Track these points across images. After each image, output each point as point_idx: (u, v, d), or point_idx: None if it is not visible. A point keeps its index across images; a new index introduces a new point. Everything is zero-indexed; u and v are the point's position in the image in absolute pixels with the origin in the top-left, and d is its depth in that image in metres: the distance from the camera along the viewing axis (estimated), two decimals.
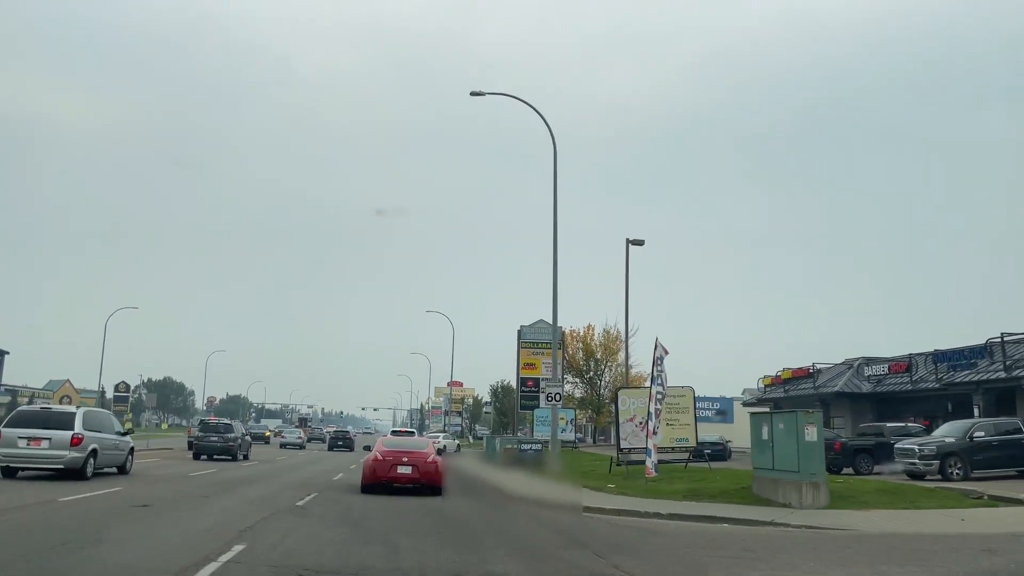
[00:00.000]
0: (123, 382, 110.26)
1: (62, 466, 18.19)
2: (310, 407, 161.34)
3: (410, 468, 17.48)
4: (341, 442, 54.75)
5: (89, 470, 18.73)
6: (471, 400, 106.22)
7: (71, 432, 18.38)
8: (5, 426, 18.89)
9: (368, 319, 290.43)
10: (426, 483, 17.58)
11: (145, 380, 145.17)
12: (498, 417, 74.42)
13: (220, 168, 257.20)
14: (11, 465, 18.30)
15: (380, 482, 17.32)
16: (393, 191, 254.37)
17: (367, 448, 23.26)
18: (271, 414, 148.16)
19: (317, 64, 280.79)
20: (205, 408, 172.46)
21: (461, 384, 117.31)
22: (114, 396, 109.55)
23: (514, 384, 73.05)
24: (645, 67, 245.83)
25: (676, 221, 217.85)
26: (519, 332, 45.76)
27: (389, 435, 28.70)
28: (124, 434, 22.26)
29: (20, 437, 18.18)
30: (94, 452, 18.99)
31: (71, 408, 20.57)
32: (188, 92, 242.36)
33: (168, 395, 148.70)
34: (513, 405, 69.76)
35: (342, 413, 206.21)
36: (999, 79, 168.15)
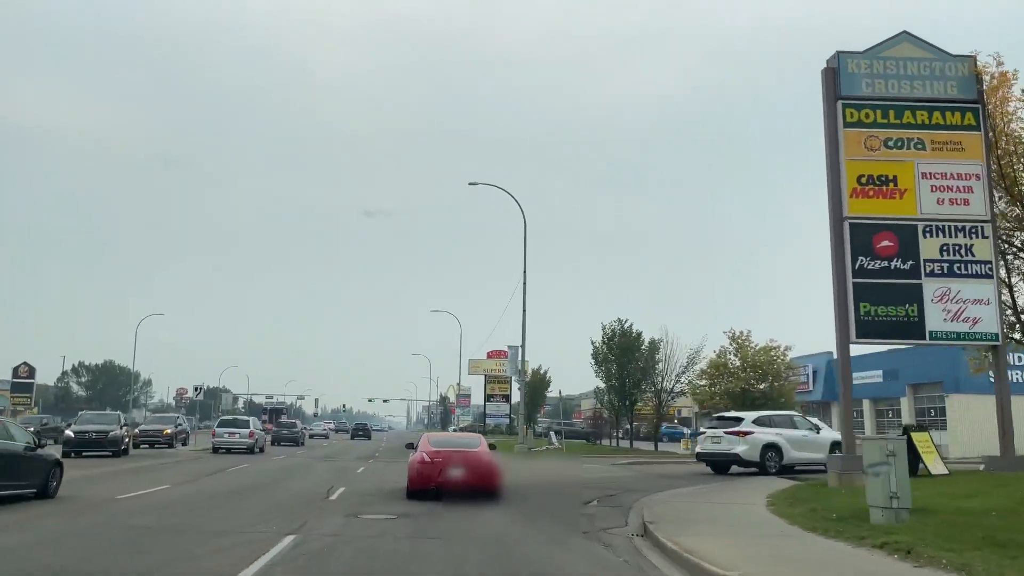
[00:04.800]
0: (24, 364, 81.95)
1: (246, 448, 35.75)
2: (300, 398, 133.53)
3: (464, 470, 16.01)
4: (361, 432, 77.09)
5: (256, 449, 36.23)
6: (525, 377, 75.37)
7: (248, 429, 36.72)
8: (217, 427, 38.37)
9: (375, 302, 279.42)
10: (480, 487, 16.17)
11: (76, 365, 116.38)
12: (609, 396, 43.97)
13: (214, 168, 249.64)
14: (218, 447, 35.82)
15: (428, 487, 16.01)
16: (389, 192, 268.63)
17: (411, 446, 18.60)
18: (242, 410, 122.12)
19: (331, 67, 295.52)
20: (175, 401, 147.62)
21: (506, 354, 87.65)
22: (11, 382, 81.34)
23: (638, 328, 43.29)
24: (660, 65, 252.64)
25: None
26: (830, 73, 14.79)
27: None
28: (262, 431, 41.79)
29: (224, 432, 36.60)
30: (257, 440, 36.83)
31: (246, 417, 42.66)
32: (184, 95, 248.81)
33: (112, 384, 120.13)
34: (642, 359, 40.13)
35: (344, 407, 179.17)
36: None
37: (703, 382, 39.27)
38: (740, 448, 22.29)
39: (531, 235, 41.56)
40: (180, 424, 40.99)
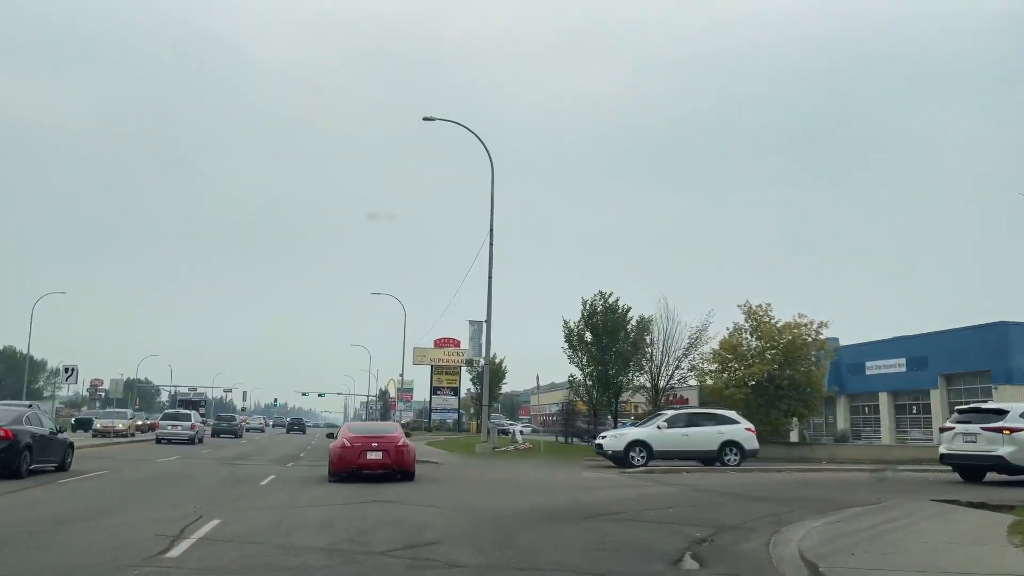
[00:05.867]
0: None
1: (187, 439, 38.70)
2: (228, 391, 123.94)
3: (380, 453, 17.63)
4: (296, 427, 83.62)
5: (196, 440, 39.41)
6: (478, 367, 68.14)
7: (191, 422, 40.57)
8: (161, 420, 43.03)
9: (316, 292, 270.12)
10: (397, 468, 17.79)
11: None
12: (586, 386, 36.89)
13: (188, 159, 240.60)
14: (164, 438, 38.76)
15: (349, 469, 17.59)
16: (342, 183, 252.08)
17: (331, 435, 22.16)
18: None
19: (284, 57, 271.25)
20: (89, 393, 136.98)
21: (458, 343, 79.90)
22: None
23: (625, 301, 36.09)
24: (616, 63, 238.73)
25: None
26: None
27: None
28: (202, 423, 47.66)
29: (168, 424, 40.14)
30: (198, 431, 40.57)
31: (188, 412, 44.92)
32: (165, 86, 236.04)
33: (12, 374, 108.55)
34: (628, 341, 33.97)
35: (275, 401, 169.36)
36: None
37: (713, 367, 32.10)
38: (1005, 449, 17.49)
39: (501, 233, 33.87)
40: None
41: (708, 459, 23.70)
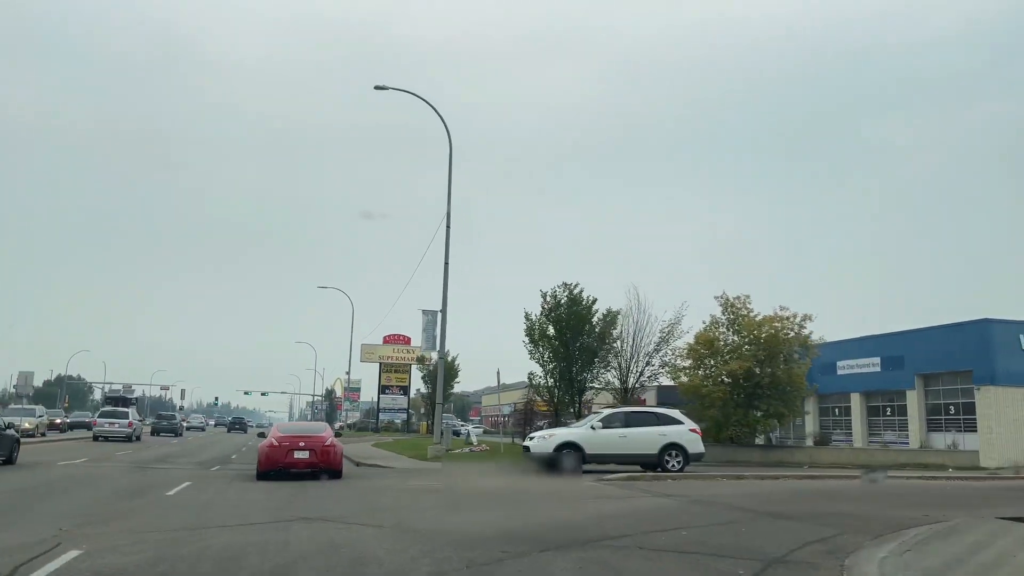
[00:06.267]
0: None
1: (125, 436, 39.71)
2: (165, 388, 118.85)
3: (307, 452, 18.00)
4: (237, 426, 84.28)
5: (134, 438, 40.45)
6: (430, 364, 65.31)
7: (127, 420, 41.05)
8: (98, 417, 42.99)
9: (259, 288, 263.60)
10: (323, 467, 18.07)
11: None
12: (547, 382, 34.53)
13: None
14: (101, 435, 39.30)
15: (276, 468, 17.88)
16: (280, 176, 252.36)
17: (262, 435, 22.27)
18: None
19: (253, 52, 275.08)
20: (14, 391, 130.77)
21: (408, 339, 76.78)
22: None
23: (593, 293, 33.78)
24: (578, 65, 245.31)
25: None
26: None
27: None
28: (140, 421, 47.14)
29: (105, 422, 40.77)
30: (136, 429, 41.85)
31: (125, 409, 44.39)
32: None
33: None
34: (593, 335, 31.83)
35: (216, 400, 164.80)
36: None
37: (687, 363, 29.81)
38: None
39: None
40: None
41: (647, 463, 21.13)
